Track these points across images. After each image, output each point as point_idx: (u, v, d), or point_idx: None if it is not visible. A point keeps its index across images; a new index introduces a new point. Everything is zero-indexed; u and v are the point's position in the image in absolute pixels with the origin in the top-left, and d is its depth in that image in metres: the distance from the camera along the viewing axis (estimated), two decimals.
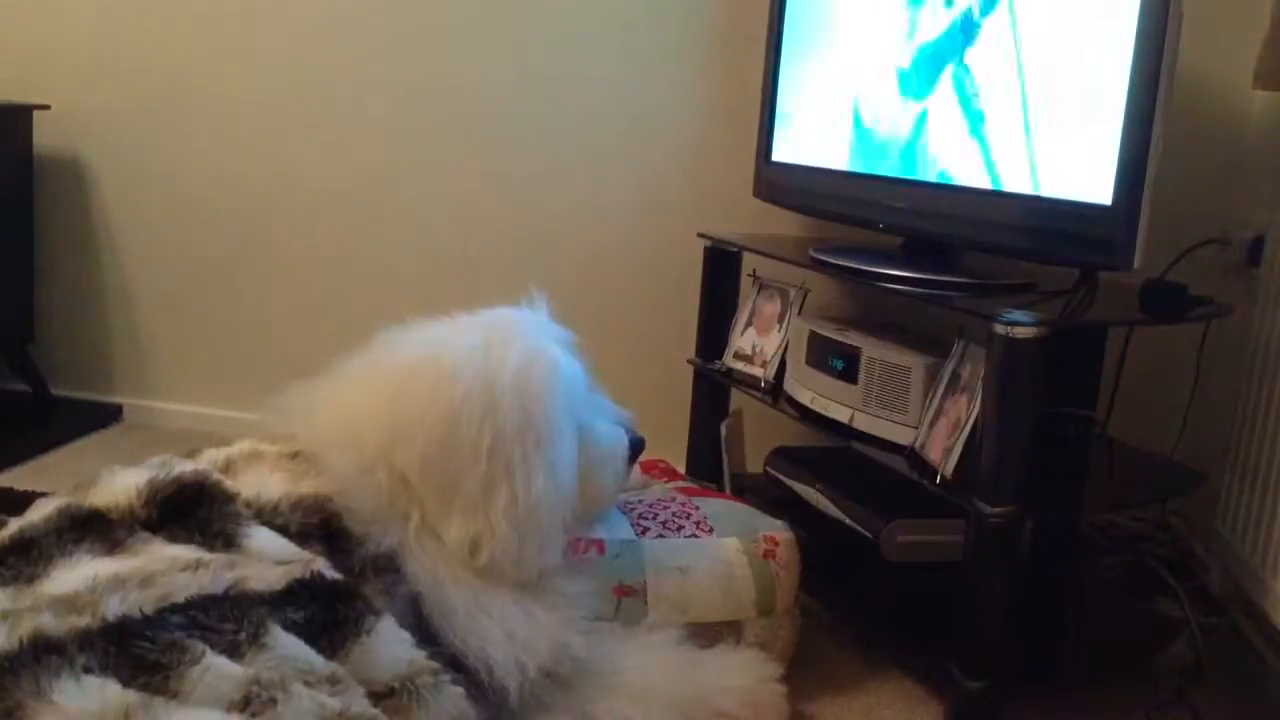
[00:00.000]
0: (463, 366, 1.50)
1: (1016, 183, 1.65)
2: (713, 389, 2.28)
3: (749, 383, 2.11)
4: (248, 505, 1.43)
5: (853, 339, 1.85)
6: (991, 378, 1.49)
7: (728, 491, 2.22)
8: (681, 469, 2.28)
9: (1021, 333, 1.46)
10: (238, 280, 2.66)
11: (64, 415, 2.62)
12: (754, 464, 2.24)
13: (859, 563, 1.81)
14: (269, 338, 2.67)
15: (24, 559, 1.27)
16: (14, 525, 1.35)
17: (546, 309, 1.61)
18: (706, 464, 2.27)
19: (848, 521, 1.85)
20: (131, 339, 2.72)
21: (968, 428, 1.56)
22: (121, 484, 1.40)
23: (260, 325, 2.67)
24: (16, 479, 2.25)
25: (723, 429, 2.23)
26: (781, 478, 2.06)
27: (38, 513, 1.37)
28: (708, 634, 1.58)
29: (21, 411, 2.62)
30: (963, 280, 1.73)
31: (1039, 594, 1.78)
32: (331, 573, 1.36)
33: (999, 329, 1.47)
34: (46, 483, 2.08)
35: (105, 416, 2.66)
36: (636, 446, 1.67)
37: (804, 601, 1.77)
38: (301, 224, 2.62)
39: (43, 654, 1.12)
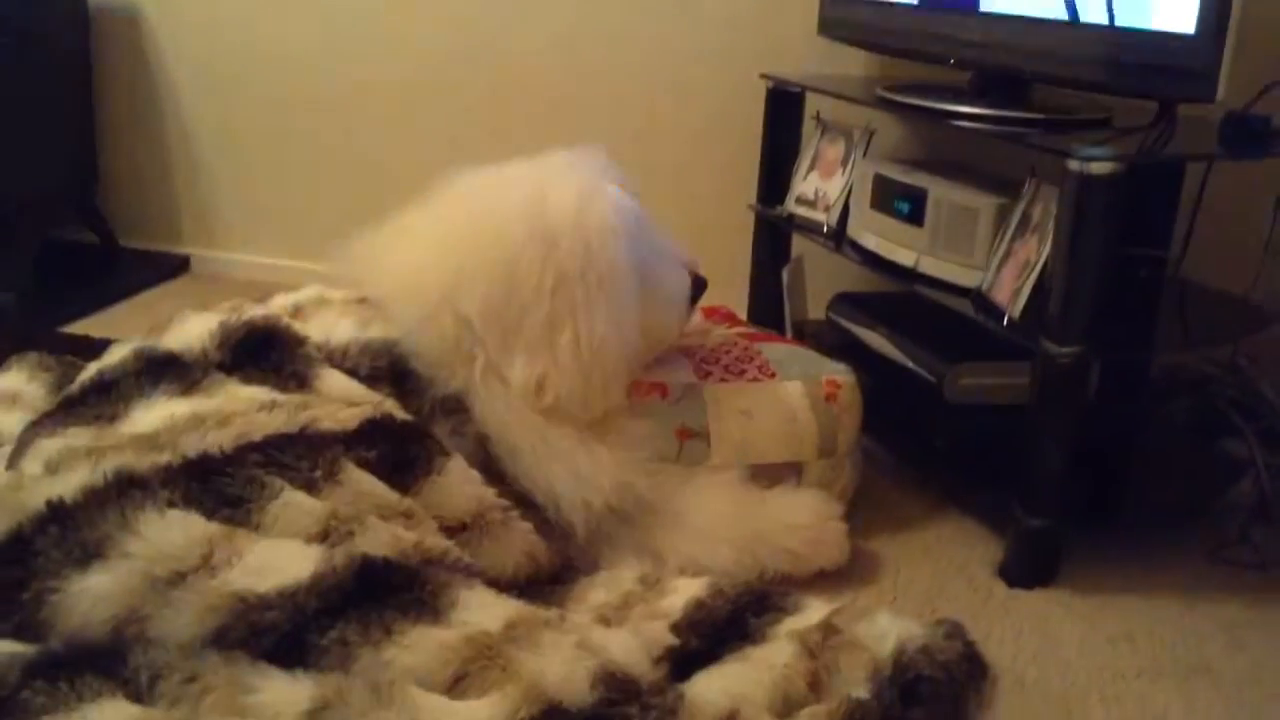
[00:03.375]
0: (522, 209, 1.49)
1: (1093, 12, 1.58)
2: (774, 235, 2.25)
3: (811, 228, 2.08)
4: (318, 349, 1.45)
5: (919, 180, 1.80)
6: (1064, 216, 1.46)
7: (789, 337, 2.21)
8: (743, 316, 2.27)
9: (1097, 169, 1.41)
10: (300, 130, 2.65)
11: (132, 266, 2.66)
12: (816, 310, 2.23)
13: (922, 406, 1.81)
14: (332, 187, 2.67)
15: (104, 399, 1.31)
16: (92, 368, 1.40)
17: (604, 153, 1.59)
18: (768, 311, 2.26)
19: (910, 365, 1.84)
20: (195, 190, 2.74)
21: (1037, 269, 1.54)
22: (194, 327, 1.43)
23: (323, 175, 2.67)
24: (88, 328, 2.31)
25: (784, 275, 2.21)
26: (844, 323, 2.05)
27: (114, 355, 1.40)
28: (769, 475, 1.60)
29: (91, 262, 2.67)
30: (1036, 116, 1.68)
31: (1103, 435, 1.77)
32: (401, 414, 1.39)
33: (1074, 165, 1.43)
34: (117, 332, 2.10)
35: (173, 267, 2.70)
36: (699, 287, 1.66)
37: (866, 445, 1.78)
38: (364, 72, 2.59)
39: (127, 489, 1.16)
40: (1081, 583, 1.58)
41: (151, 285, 2.61)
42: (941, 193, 1.75)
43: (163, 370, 1.35)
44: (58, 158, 2.54)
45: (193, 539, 1.13)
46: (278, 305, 1.54)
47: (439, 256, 1.51)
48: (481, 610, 1.16)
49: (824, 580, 1.53)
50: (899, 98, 1.82)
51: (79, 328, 2.31)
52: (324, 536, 1.19)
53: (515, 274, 1.47)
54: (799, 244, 2.25)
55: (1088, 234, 1.44)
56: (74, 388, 1.37)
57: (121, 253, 2.72)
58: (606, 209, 1.50)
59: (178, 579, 1.10)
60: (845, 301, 2.08)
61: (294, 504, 1.21)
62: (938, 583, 1.57)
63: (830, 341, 2.05)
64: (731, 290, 2.33)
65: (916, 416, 1.83)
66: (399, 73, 2.58)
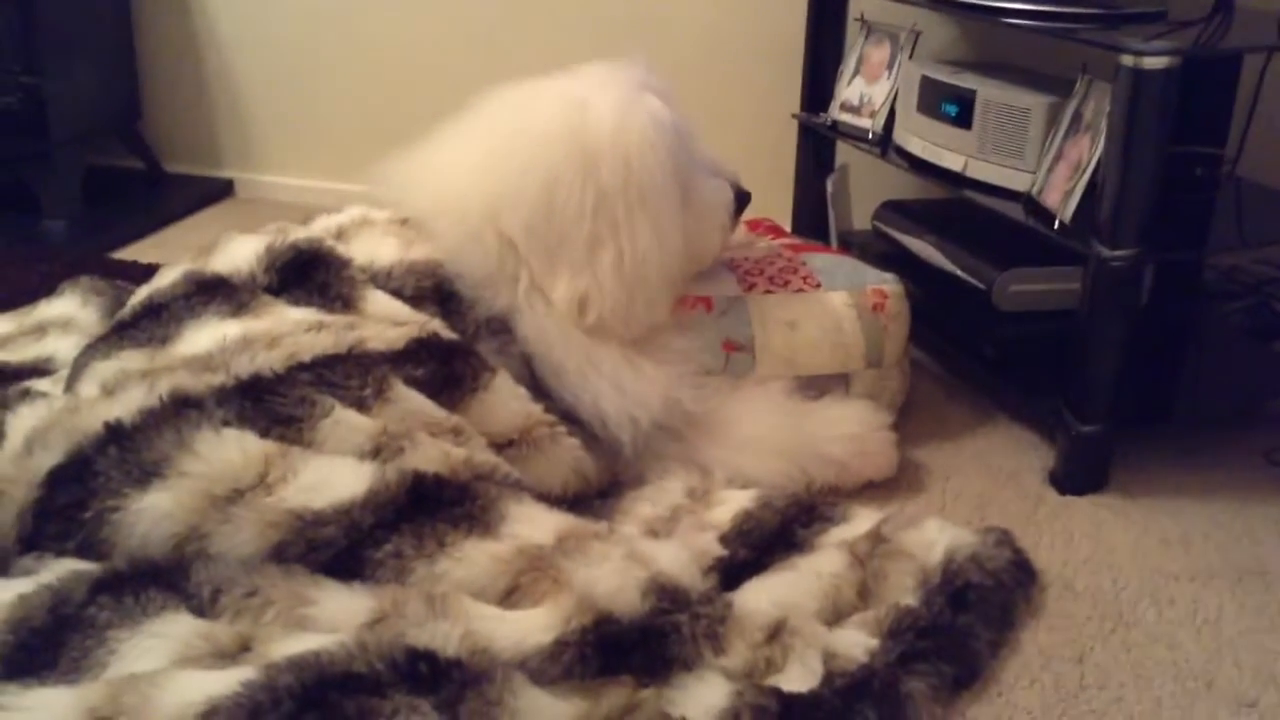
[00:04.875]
0: (560, 126, 1.47)
1: None
2: (818, 143, 2.21)
3: (856, 135, 2.04)
4: (362, 270, 1.45)
5: (967, 81, 1.76)
6: (1117, 114, 1.42)
7: (835, 247, 2.19)
8: (787, 228, 2.25)
9: (1151, 63, 1.37)
10: (338, 51, 2.63)
11: (177, 190, 2.67)
12: (862, 220, 2.20)
13: (971, 315, 1.79)
14: (374, 108, 2.66)
15: (155, 322, 1.33)
16: (143, 291, 1.41)
17: (643, 62, 1.56)
18: (813, 221, 2.24)
19: (959, 273, 1.81)
20: (236, 114, 2.73)
21: (1089, 170, 1.50)
22: (241, 250, 1.44)
23: (364, 96, 2.65)
24: (137, 253, 2.33)
25: (828, 184, 2.18)
26: (890, 231, 2.02)
27: (164, 279, 1.42)
28: (816, 386, 1.59)
29: (137, 187, 2.68)
30: (1088, 11, 1.62)
31: (1157, 338, 1.74)
32: (447, 333, 1.40)
33: (1126, 60, 1.38)
34: (165, 256, 2.14)
35: (217, 191, 2.72)
36: (742, 200, 1.64)
37: (914, 354, 1.77)
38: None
39: (182, 409, 1.18)
40: (1133, 488, 1.57)
41: (197, 210, 2.62)
42: (990, 93, 1.71)
43: (212, 293, 1.36)
44: (100, 86, 2.55)
45: (249, 457, 1.15)
46: (321, 227, 1.54)
47: (479, 177, 1.49)
48: (531, 523, 1.18)
49: (872, 490, 1.53)
50: None
51: (128, 253, 2.34)
52: (376, 453, 1.21)
53: (555, 194, 1.46)
54: (844, 152, 2.21)
55: (1141, 132, 1.40)
56: (125, 312, 1.39)
57: (166, 178, 2.73)
58: (646, 123, 1.48)
59: (236, 496, 1.12)
60: (891, 210, 2.05)
61: (345, 422, 1.22)
62: (987, 491, 1.57)
63: (877, 251, 2.03)
64: (776, 202, 2.30)
65: (966, 325, 1.81)
66: None
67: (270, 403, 1.21)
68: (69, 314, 1.73)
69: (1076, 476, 1.56)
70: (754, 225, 1.95)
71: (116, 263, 2.22)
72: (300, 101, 2.69)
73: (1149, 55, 1.37)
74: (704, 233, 1.59)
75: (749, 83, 2.42)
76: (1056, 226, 1.53)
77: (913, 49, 1.97)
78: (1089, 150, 1.51)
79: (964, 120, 1.75)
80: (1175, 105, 1.40)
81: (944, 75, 1.81)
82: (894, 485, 1.55)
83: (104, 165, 2.71)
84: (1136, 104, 1.39)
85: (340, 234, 1.53)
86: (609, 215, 1.46)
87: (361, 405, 1.25)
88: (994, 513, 1.51)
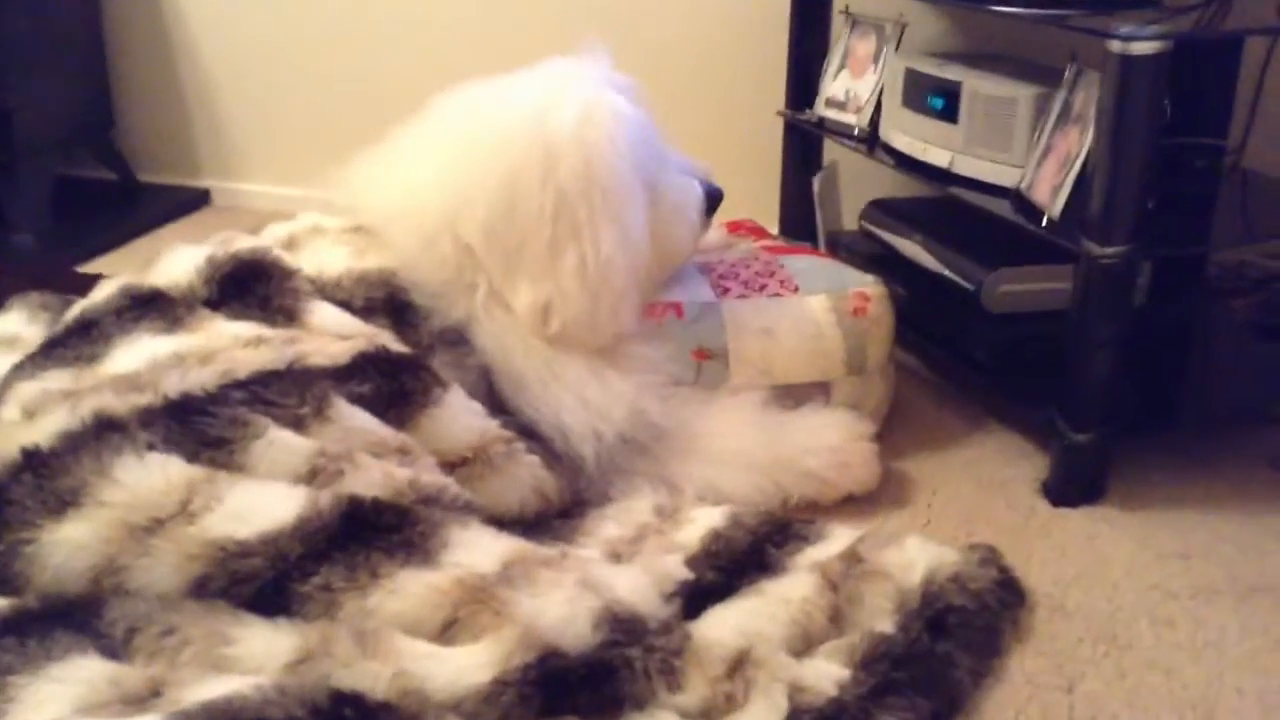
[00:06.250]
0: (520, 125, 1.41)
1: None
2: (805, 141, 2.13)
3: (842, 132, 1.96)
4: (310, 281, 1.39)
5: (952, 73, 1.68)
6: (1106, 103, 1.33)
7: (822, 250, 2.11)
8: (774, 229, 2.17)
9: (1140, 48, 1.29)
10: (316, 57, 2.56)
11: (151, 201, 2.61)
12: (852, 220, 2.12)
13: (960, 317, 1.70)
14: (350, 114, 2.58)
15: (84, 339, 1.27)
16: (77, 307, 1.35)
17: (607, 57, 1.49)
18: (800, 223, 2.16)
19: (947, 273, 1.73)
20: (212, 122, 2.67)
21: (1079, 163, 1.42)
22: (181, 262, 1.38)
23: (341, 102, 2.58)
24: (108, 265, 2.26)
25: (815, 183, 2.10)
26: (877, 231, 1.93)
27: (100, 293, 1.36)
28: (794, 395, 1.51)
29: (110, 199, 2.62)
30: None
31: (1158, 338, 1.66)
32: (397, 346, 1.33)
33: (1114, 47, 1.30)
34: (138, 268, 2.08)
35: (193, 201, 2.65)
36: (713, 198, 1.56)
37: (902, 359, 1.68)
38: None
39: (105, 432, 1.11)
40: (1131, 499, 1.48)
41: (171, 220, 2.56)
42: (976, 84, 1.62)
43: (146, 308, 1.30)
44: (69, 96, 2.49)
45: (172, 483, 1.08)
46: (271, 236, 1.48)
47: (435, 179, 1.43)
48: (475, 550, 1.10)
49: (853, 505, 1.45)
50: None
51: (101, 265, 2.27)
52: (311, 476, 1.14)
53: (514, 195, 1.39)
54: (831, 150, 2.13)
55: (1132, 122, 1.32)
56: (58, 328, 1.33)
57: (140, 188, 2.67)
58: (608, 121, 1.41)
59: (155, 526, 1.05)
60: (878, 209, 1.97)
61: (279, 443, 1.15)
62: (976, 503, 1.48)
63: (865, 252, 1.95)
64: (762, 202, 2.22)
65: (955, 327, 1.72)
66: None
67: (199, 424, 1.14)
68: (14, 331, 1.67)
69: (1070, 487, 1.48)
70: (735, 226, 1.87)
71: (85, 276, 2.16)
72: (279, 108, 2.62)
73: (1138, 40, 1.29)
74: (673, 234, 1.51)
75: (731, 78, 2.34)
76: (1045, 223, 1.45)
77: (899, 41, 1.89)
78: (1079, 142, 1.42)
79: (950, 113, 1.67)
80: (1168, 94, 1.32)
81: (929, 67, 1.73)
82: (877, 499, 1.47)
83: (76, 176, 2.65)
84: (1126, 92, 1.31)
85: (291, 243, 1.47)
86: (570, 217, 1.39)
87: (299, 425, 1.18)
88: (982, 527, 1.43)
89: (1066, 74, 1.49)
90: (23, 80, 2.31)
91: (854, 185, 2.20)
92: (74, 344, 1.26)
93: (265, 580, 1.03)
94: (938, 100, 1.69)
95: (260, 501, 1.08)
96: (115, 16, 2.62)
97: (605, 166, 1.40)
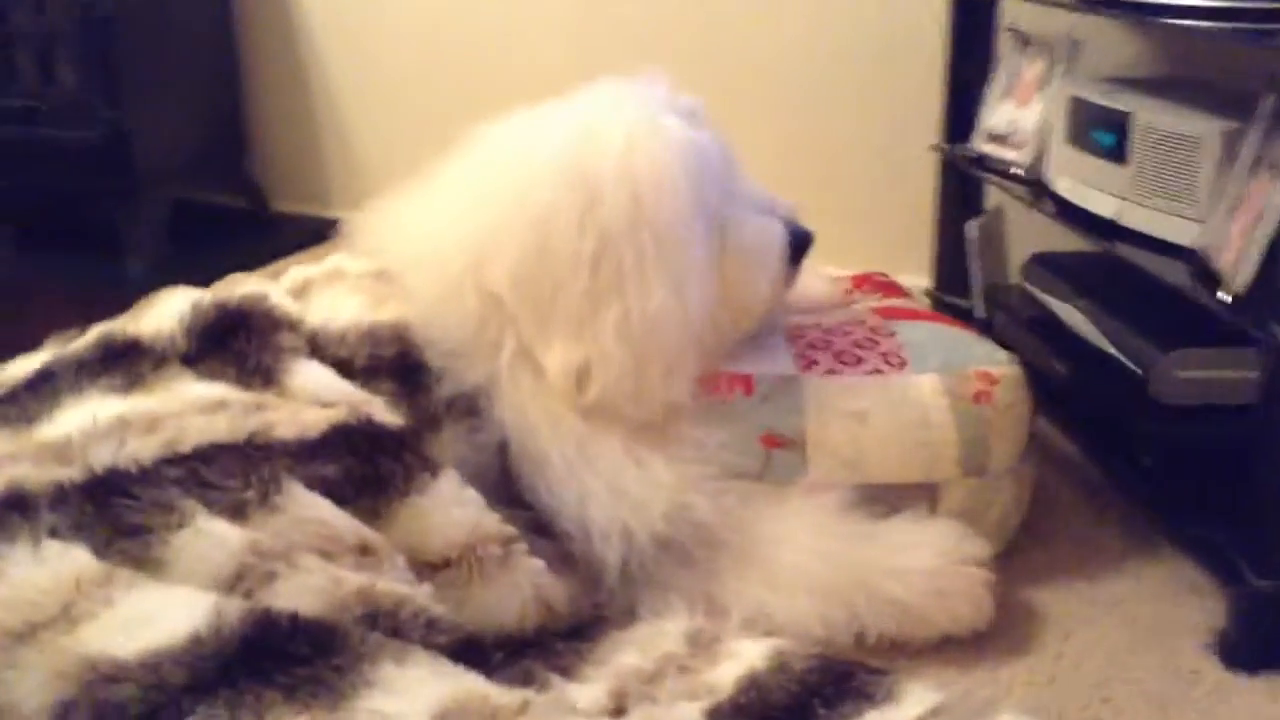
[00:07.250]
0: (557, 156, 1.18)
1: None
2: (962, 181, 1.82)
3: (1001, 171, 1.64)
4: (312, 334, 1.21)
5: (1122, 103, 1.34)
6: None
7: (978, 308, 1.79)
8: (925, 282, 1.87)
9: None
10: (448, 89, 2.44)
11: (277, 231, 2.56)
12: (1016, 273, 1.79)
13: (1125, 406, 1.36)
14: None
15: (35, 395, 1.11)
16: (46, 353, 1.20)
17: (665, 77, 1.25)
18: (956, 276, 1.84)
19: (1112, 351, 1.39)
20: (344, 152, 2.59)
21: (1274, 222, 1.07)
22: (169, 308, 1.22)
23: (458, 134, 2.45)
24: None
25: (972, 230, 1.78)
26: (1037, 292, 1.60)
27: (78, 341, 1.21)
28: (889, 499, 1.21)
29: (235, 227, 2.58)
30: None
31: None
32: (387, 417, 1.12)
33: None
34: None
35: (321, 231, 2.57)
36: (800, 241, 1.29)
37: (1059, 449, 1.36)
38: (503, 30, 2.34)
39: (7, 512, 0.95)
40: None
41: (294, 250, 2.47)
42: (1150, 116, 1.29)
43: (115, 361, 1.14)
44: (193, 121, 2.46)
45: (60, 581, 0.90)
46: (289, 279, 1.31)
47: (459, 219, 1.23)
48: (402, 696, 0.87)
49: (953, 649, 1.14)
50: None
51: None
52: (235, 579, 0.94)
53: (548, 237, 1.17)
54: (995, 192, 1.81)
55: None
56: (21, 378, 1.18)
57: (271, 217, 2.62)
58: (660, 148, 1.17)
59: (29, 633, 0.87)
60: (1041, 264, 1.63)
61: (207, 534, 0.96)
62: (1122, 656, 1.14)
63: (1025, 315, 1.62)
64: (911, 252, 1.92)
65: (1119, 419, 1.38)
66: (543, 22, 2.30)
67: (117, 507, 0.96)
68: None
69: (1251, 646, 1.12)
70: (861, 281, 1.58)
71: None
72: (409, 139, 2.51)
73: None
74: (745, 285, 1.25)
75: (881, 107, 2.04)
76: (1224, 296, 1.11)
77: (1069, 62, 1.56)
78: (1275, 194, 1.07)
79: (1118, 153, 1.33)
80: None
81: (1096, 95, 1.40)
82: (986, 642, 1.15)
83: (203, 202, 2.61)
84: None
85: (304, 288, 1.29)
86: (614, 264, 1.16)
87: (239, 512, 0.99)
88: (1124, 690, 1.09)
89: (1262, 105, 1.14)
90: (144, 102, 2.27)
91: (1023, 232, 1.86)
92: (24, 399, 1.11)
93: (130, 717, 0.83)
94: (1105, 136, 1.36)
95: (157, 609, 0.89)
96: (249, 40, 2.58)
97: (656, 203, 1.16)
